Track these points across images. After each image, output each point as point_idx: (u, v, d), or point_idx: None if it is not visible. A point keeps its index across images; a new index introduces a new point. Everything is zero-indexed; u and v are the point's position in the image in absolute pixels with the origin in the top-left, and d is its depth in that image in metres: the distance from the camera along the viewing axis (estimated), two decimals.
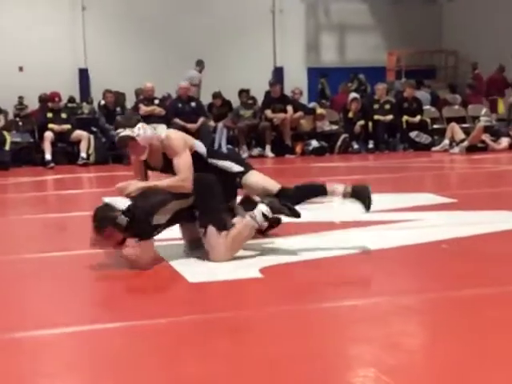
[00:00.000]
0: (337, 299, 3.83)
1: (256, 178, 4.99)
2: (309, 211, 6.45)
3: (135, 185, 4.54)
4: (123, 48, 17.07)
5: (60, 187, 9.67)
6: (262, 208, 4.71)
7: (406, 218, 6.06)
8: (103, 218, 4.40)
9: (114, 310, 3.77)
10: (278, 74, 18.15)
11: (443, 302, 3.72)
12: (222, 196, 4.72)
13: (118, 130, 4.66)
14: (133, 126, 4.61)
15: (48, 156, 11.43)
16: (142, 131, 4.61)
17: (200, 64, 15.19)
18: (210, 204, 4.67)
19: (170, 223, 4.62)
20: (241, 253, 4.77)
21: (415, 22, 18.59)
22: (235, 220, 4.83)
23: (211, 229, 4.58)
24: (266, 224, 4.81)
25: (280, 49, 18.55)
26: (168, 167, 4.70)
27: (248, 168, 5.01)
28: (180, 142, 4.69)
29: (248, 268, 4.43)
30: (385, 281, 4.21)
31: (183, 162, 4.62)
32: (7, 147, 11.55)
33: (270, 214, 4.71)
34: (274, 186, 5.01)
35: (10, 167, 11.17)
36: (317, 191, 5.14)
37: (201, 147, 4.87)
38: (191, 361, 2.94)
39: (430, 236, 5.27)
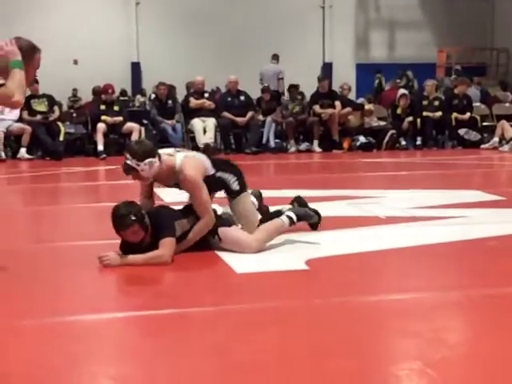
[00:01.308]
0: (383, 293, 3.87)
1: (243, 207, 4.93)
2: (354, 206, 6.52)
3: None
4: (175, 42, 17.24)
5: (111, 177, 9.84)
6: (289, 214, 4.96)
7: (453, 214, 6.04)
8: (128, 215, 4.35)
9: (162, 297, 3.85)
10: (327, 69, 18.11)
11: (489, 299, 3.72)
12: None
13: (127, 156, 4.53)
14: (141, 159, 4.48)
15: (100, 147, 11.65)
16: (147, 167, 4.49)
17: (277, 58, 15.47)
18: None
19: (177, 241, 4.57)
20: (287, 245, 4.85)
21: (466, 19, 18.34)
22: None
23: (223, 229, 4.69)
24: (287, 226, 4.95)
25: (329, 44, 18.51)
26: (176, 186, 4.72)
27: (244, 189, 4.95)
28: (198, 177, 4.59)
29: (294, 260, 4.49)
30: (430, 276, 4.22)
31: (204, 201, 4.59)
32: (61, 138, 11.82)
33: (296, 220, 4.97)
34: (255, 217, 5.00)
35: (63, 157, 11.42)
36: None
37: (210, 168, 4.78)
38: (239, 349, 3.00)
39: (477, 233, 5.27)
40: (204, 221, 4.62)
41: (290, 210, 5.07)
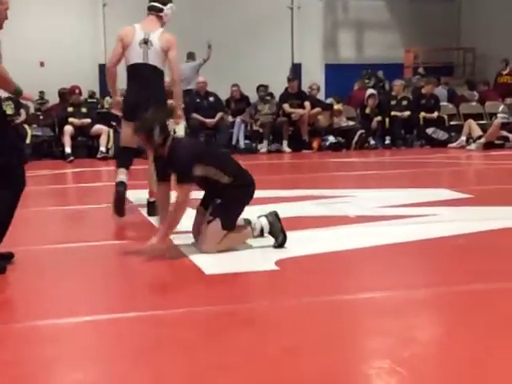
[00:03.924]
0: (352, 292, 3.87)
1: None
2: (324, 205, 6.53)
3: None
4: None
5: (79, 180, 9.77)
6: (263, 223, 4.83)
7: (422, 212, 6.08)
8: (142, 122, 4.58)
9: (131, 299, 3.82)
10: (296, 70, 18.14)
11: (458, 296, 3.75)
12: (246, 203, 4.82)
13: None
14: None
15: (68, 149, 11.54)
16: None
17: (193, 56, 14.88)
18: (234, 205, 4.77)
19: (197, 182, 4.68)
20: (256, 245, 4.83)
21: (433, 19, 18.49)
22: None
23: (217, 222, 4.66)
24: (255, 236, 4.84)
25: (298, 45, 18.53)
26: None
27: None
28: None
29: (264, 261, 4.48)
30: (399, 274, 4.24)
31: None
32: (28, 141, 11.69)
33: (266, 232, 4.82)
34: None
35: (30, 160, 11.26)
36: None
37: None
38: (208, 351, 2.98)
39: (445, 231, 5.30)
40: None
41: (267, 217, 4.87)
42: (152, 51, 5.89)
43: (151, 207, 5.97)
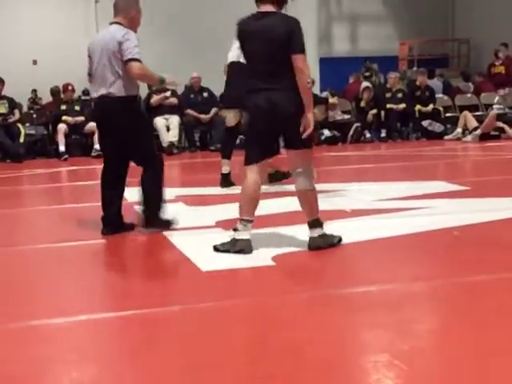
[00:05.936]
0: (349, 286, 3.86)
1: None
2: (320, 200, 6.48)
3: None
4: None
5: (74, 179, 9.73)
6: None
7: (418, 205, 6.06)
8: None
9: (128, 298, 3.79)
10: None
11: (455, 288, 3.74)
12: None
13: None
14: None
15: (62, 148, 11.47)
16: None
17: None
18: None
19: None
20: (253, 241, 4.79)
21: (427, 10, 18.46)
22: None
23: None
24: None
25: None
26: None
27: None
28: None
29: (260, 256, 4.45)
30: (397, 267, 4.22)
31: None
32: (22, 140, 11.60)
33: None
34: None
35: (24, 159, 11.22)
36: None
37: None
38: (206, 347, 2.96)
39: (442, 223, 5.28)
40: None
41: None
42: None
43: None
